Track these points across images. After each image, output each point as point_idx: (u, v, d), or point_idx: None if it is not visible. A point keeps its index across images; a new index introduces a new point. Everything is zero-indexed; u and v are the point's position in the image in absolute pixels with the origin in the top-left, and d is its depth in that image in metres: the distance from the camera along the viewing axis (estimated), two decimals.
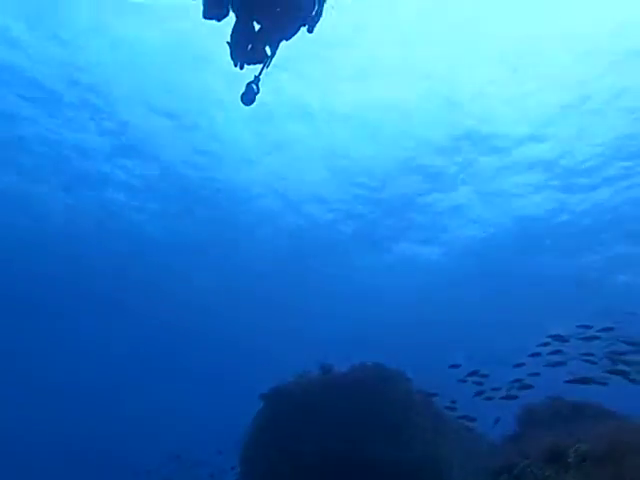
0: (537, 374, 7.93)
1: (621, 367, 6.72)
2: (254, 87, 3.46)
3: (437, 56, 11.43)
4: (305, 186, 15.79)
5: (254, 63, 3.39)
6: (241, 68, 3.37)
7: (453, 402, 7.18)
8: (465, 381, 7.02)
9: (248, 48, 3.31)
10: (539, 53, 11.12)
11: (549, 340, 7.64)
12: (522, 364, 7.65)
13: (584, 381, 6.55)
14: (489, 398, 7.12)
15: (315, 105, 12.76)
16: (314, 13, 3.35)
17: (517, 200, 15.82)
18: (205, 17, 3.24)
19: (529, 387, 7.56)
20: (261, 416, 5.66)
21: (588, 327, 7.45)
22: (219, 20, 3.27)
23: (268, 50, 3.42)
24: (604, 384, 6.51)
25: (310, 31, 3.44)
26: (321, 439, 5.46)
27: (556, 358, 7.67)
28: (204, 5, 3.19)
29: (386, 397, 5.79)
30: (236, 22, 3.28)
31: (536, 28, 10.67)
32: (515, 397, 7.27)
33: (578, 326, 7.58)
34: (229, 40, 3.31)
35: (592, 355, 7.18)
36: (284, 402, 5.61)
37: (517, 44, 11.00)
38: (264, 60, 3.41)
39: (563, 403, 5.81)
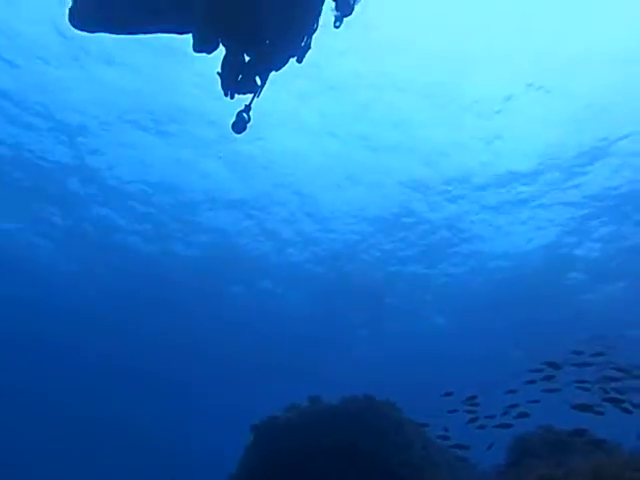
0: (537, 401, 7.92)
1: (614, 395, 6.71)
2: (245, 116, 3.52)
3: None
4: None
5: (244, 93, 3.46)
6: (231, 97, 3.43)
7: (446, 430, 7.18)
8: (455, 410, 7.01)
9: (238, 78, 3.38)
10: None
11: (543, 366, 7.65)
12: (514, 391, 7.66)
13: (583, 408, 6.51)
14: (482, 427, 7.11)
15: None
16: (303, 44, 3.44)
17: None
18: (195, 51, 3.30)
19: (525, 415, 7.51)
20: (251, 449, 5.64)
21: (580, 353, 7.47)
22: (209, 53, 3.34)
23: (258, 80, 3.48)
24: (601, 413, 6.49)
25: (299, 61, 3.51)
26: (311, 471, 5.43)
27: (550, 385, 7.68)
28: (194, 39, 3.26)
29: (376, 429, 5.78)
30: (226, 54, 3.37)
31: None
32: (510, 426, 7.24)
33: (572, 352, 7.60)
34: (219, 71, 3.38)
35: (586, 382, 7.19)
36: (274, 434, 5.59)
37: None
38: (254, 90, 3.47)
39: (555, 432, 5.81)
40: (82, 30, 3.19)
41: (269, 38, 3.27)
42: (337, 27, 3.48)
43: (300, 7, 3.26)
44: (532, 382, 7.74)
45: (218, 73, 3.36)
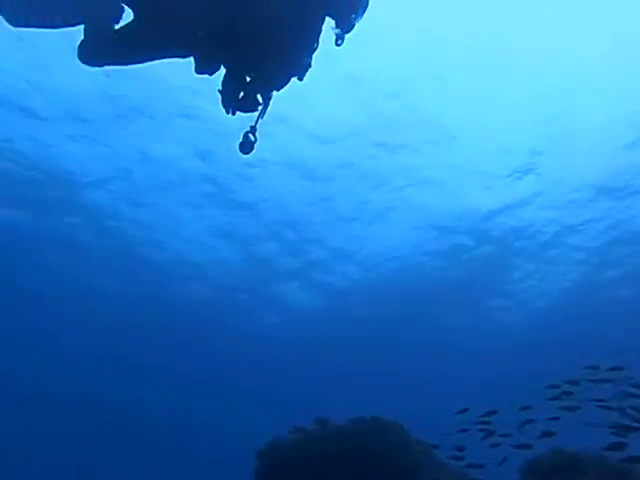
0: (556, 418, 7.72)
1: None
2: (251, 136, 3.56)
3: None
4: None
5: (245, 111, 3.48)
6: (233, 114, 3.45)
7: (460, 450, 7.06)
8: (467, 430, 6.90)
9: (239, 96, 3.40)
10: None
11: (558, 382, 7.48)
12: (529, 407, 7.49)
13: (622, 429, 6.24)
14: (495, 445, 6.99)
15: None
16: (304, 64, 3.47)
17: None
18: (197, 72, 3.33)
19: (550, 434, 7.29)
20: (258, 474, 5.68)
21: (595, 368, 7.26)
22: (211, 75, 3.40)
23: (260, 98, 3.50)
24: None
25: (301, 79, 3.53)
26: None
27: (567, 402, 7.48)
28: (196, 63, 3.31)
29: (384, 451, 5.76)
30: (226, 74, 3.42)
31: None
32: (530, 446, 7.06)
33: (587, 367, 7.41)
34: (220, 88, 3.42)
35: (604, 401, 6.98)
36: (280, 458, 5.62)
37: None
38: (256, 108, 3.48)
39: (566, 454, 5.67)
40: (91, 65, 3.30)
41: (270, 60, 3.31)
42: (339, 45, 3.51)
43: (301, 29, 3.30)
44: (553, 399, 7.55)
45: (219, 91, 3.40)
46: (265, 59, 3.26)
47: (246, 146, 3.50)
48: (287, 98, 3.51)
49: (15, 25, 3.04)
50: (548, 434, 7.04)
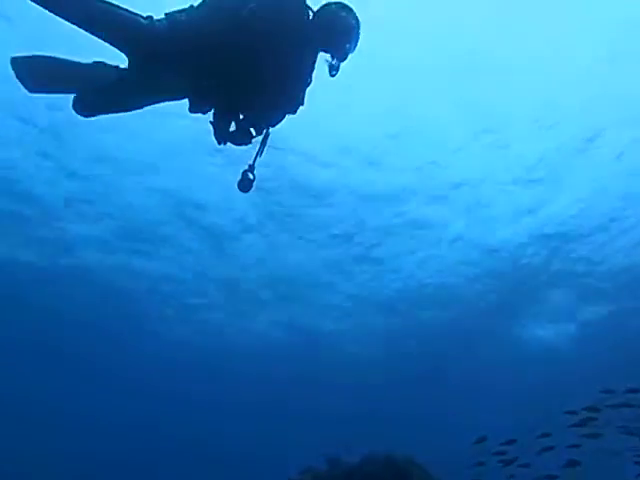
0: (578, 445, 7.44)
1: None
2: (250, 175, 3.51)
3: None
4: None
5: (239, 144, 3.44)
6: (224, 144, 3.43)
7: None
8: (483, 463, 6.63)
9: (230, 129, 3.38)
10: None
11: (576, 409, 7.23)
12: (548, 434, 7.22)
13: None
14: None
15: None
16: (298, 100, 3.46)
17: None
18: (191, 112, 3.34)
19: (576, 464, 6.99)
20: None
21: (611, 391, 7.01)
22: (204, 114, 3.39)
23: (253, 131, 3.46)
24: None
25: (294, 113, 3.53)
26: None
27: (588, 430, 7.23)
28: (189, 104, 3.31)
29: None
30: (216, 111, 3.40)
31: None
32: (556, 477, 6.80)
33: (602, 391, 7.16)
34: (212, 120, 3.40)
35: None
36: None
37: None
38: (248, 142, 3.44)
39: None
40: (85, 116, 3.31)
41: (265, 102, 3.30)
42: (334, 75, 3.51)
43: (296, 71, 3.31)
44: (575, 425, 7.28)
45: (211, 122, 3.36)
46: (259, 101, 3.28)
47: (245, 184, 3.49)
48: None
49: (31, 91, 3.16)
50: (573, 463, 6.76)
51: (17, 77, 3.08)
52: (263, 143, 3.51)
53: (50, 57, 3.10)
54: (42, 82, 3.15)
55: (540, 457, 7.34)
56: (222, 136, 3.37)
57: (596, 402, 7.19)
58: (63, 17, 2.96)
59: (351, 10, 3.43)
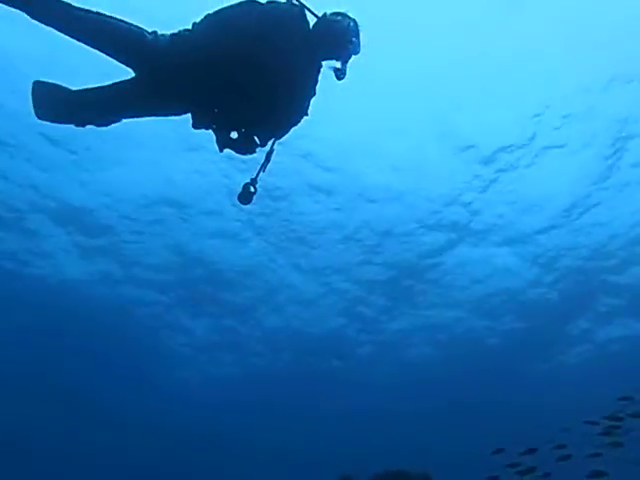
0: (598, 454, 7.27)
1: None
2: (251, 188, 3.49)
3: None
4: None
5: (243, 153, 3.40)
6: (221, 151, 3.40)
7: None
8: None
9: (232, 137, 3.34)
10: None
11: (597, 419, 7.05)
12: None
13: None
14: None
15: None
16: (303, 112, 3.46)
17: None
18: (194, 128, 3.33)
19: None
20: None
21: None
22: (207, 129, 3.38)
23: (257, 139, 3.41)
24: None
25: (296, 125, 3.51)
26: None
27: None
28: (192, 118, 3.30)
29: None
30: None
31: None
32: None
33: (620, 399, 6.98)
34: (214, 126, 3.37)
35: None
36: None
37: None
38: (252, 151, 3.40)
39: None
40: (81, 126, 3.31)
41: (268, 117, 3.28)
42: (342, 79, 3.48)
43: (299, 84, 3.29)
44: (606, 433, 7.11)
45: (213, 129, 3.34)
46: (264, 116, 3.25)
47: (246, 197, 3.45)
48: None
49: (42, 119, 3.20)
50: (598, 474, 6.58)
51: (33, 102, 3.13)
52: (267, 158, 3.48)
53: (69, 91, 3.15)
54: (49, 116, 3.21)
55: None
56: (224, 144, 3.36)
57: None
58: (70, 35, 2.98)
59: (345, 14, 3.44)
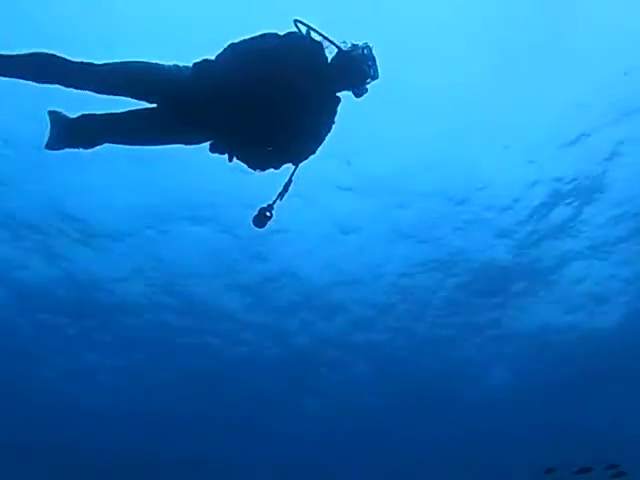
0: None
1: None
2: (267, 213, 3.48)
3: None
4: None
5: (252, 168, 3.41)
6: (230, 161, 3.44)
7: None
8: None
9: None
10: None
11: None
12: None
13: None
14: None
15: None
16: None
17: None
18: (211, 152, 3.35)
19: None
20: None
21: None
22: (222, 154, 3.37)
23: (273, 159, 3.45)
24: None
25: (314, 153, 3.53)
26: None
27: None
28: (210, 147, 3.34)
29: None
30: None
31: None
32: None
33: None
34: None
35: None
36: None
37: None
38: (264, 169, 3.43)
39: None
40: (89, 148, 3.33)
41: (287, 147, 3.33)
42: (360, 96, 3.47)
43: (318, 116, 3.33)
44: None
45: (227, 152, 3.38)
46: (284, 146, 3.31)
47: (260, 220, 3.44)
48: None
49: (50, 150, 3.26)
50: None
51: (50, 129, 3.18)
52: (286, 187, 3.46)
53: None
54: (60, 145, 3.26)
55: None
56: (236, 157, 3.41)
57: None
58: (105, 93, 3.03)
59: (366, 45, 3.42)
